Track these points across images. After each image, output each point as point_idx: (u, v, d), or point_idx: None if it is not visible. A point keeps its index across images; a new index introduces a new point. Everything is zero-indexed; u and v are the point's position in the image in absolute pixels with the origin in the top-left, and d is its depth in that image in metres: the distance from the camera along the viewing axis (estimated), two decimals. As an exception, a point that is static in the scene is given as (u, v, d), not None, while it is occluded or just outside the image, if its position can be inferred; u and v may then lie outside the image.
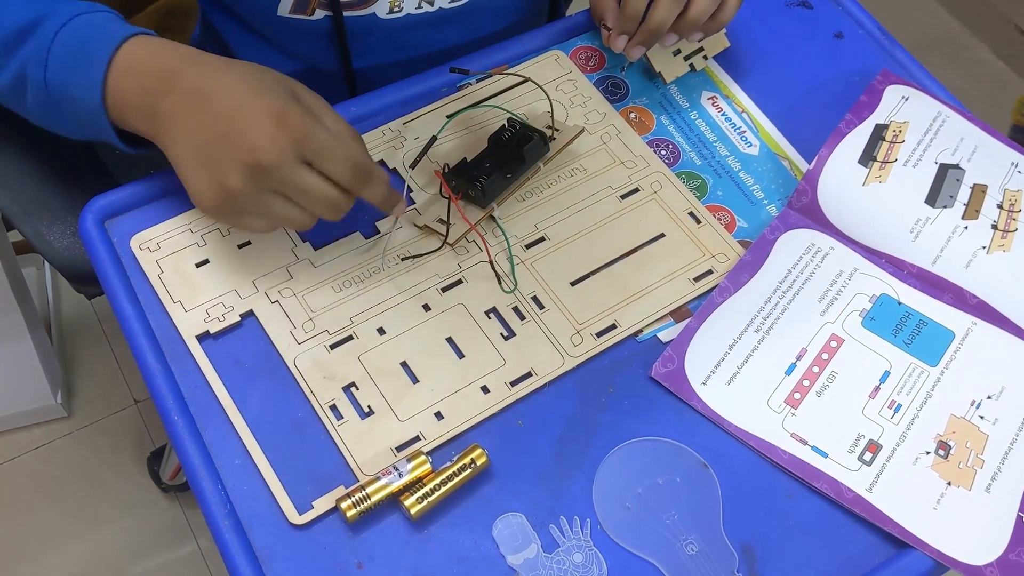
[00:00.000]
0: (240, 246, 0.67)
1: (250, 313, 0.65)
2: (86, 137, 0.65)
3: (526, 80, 0.72)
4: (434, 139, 0.66)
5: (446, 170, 0.68)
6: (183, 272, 0.66)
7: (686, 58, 0.77)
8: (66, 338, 1.51)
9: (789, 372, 0.64)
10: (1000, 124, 1.77)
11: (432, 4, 0.77)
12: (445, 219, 0.67)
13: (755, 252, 0.68)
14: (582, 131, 0.72)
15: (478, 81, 0.76)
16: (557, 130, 0.72)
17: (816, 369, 0.64)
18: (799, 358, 0.64)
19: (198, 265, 0.66)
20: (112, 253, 0.67)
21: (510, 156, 0.68)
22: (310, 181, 0.58)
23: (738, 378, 0.63)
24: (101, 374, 1.50)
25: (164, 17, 1.09)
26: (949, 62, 1.97)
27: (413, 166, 0.67)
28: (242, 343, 0.64)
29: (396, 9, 0.77)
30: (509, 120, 0.69)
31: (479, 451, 0.59)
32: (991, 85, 1.95)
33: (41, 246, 0.74)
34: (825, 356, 0.64)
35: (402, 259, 0.67)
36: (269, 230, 0.64)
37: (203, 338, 0.64)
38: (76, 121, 0.63)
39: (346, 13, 0.76)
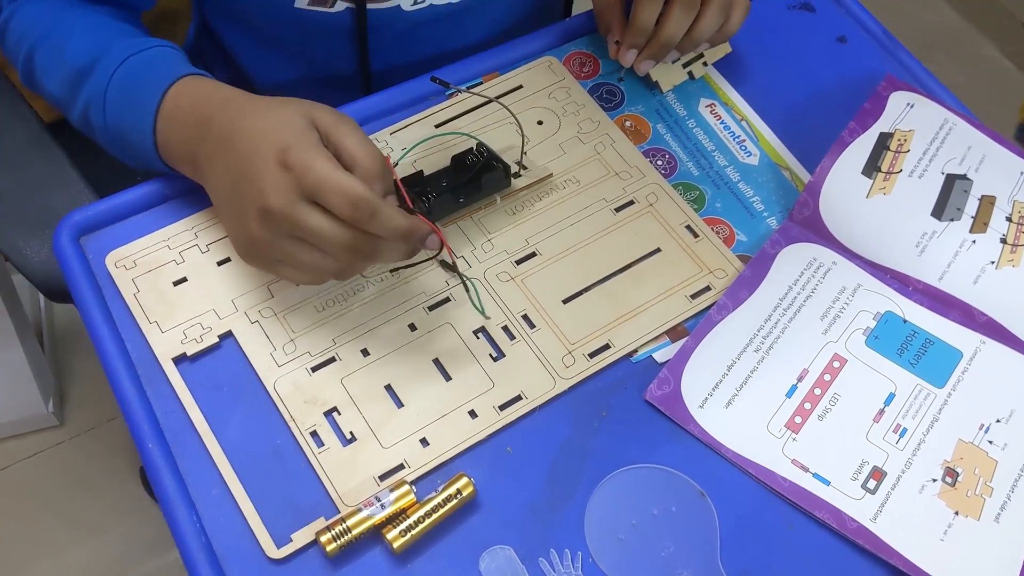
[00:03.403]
0: (220, 263, 0.64)
1: (229, 334, 0.62)
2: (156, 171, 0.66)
3: (491, 100, 0.71)
4: (395, 164, 0.64)
5: (401, 178, 0.65)
6: (160, 291, 0.63)
7: (684, 65, 0.75)
8: (58, 346, 1.49)
9: (790, 394, 0.61)
10: (1006, 124, 1.74)
11: None
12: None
13: (755, 267, 0.66)
14: (550, 176, 0.69)
15: (468, 89, 0.73)
16: (525, 167, 0.69)
17: (818, 391, 0.61)
18: (800, 379, 0.62)
19: (176, 283, 0.64)
20: (87, 270, 0.64)
21: (468, 181, 0.65)
22: (316, 221, 0.54)
23: (737, 401, 0.61)
24: (93, 382, 1.48)
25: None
26: (953, 59, 1.93)
27: None
28: (220, 365, 0.61)
29: (420, 1, 0.74)
30: (478, 144, 0.67)
31: (465, 480, 0.56)
32: (996, 83, 1.92)
33: (17, 260, 0.72)
34: (827, 377, 0.62)
35: (392, 271, 0.64)
36: (309, 282, 0.60)
37: (179, 360, 0.61)
38: (141, 162, 0.65)
39: (369, 6, 0.73)
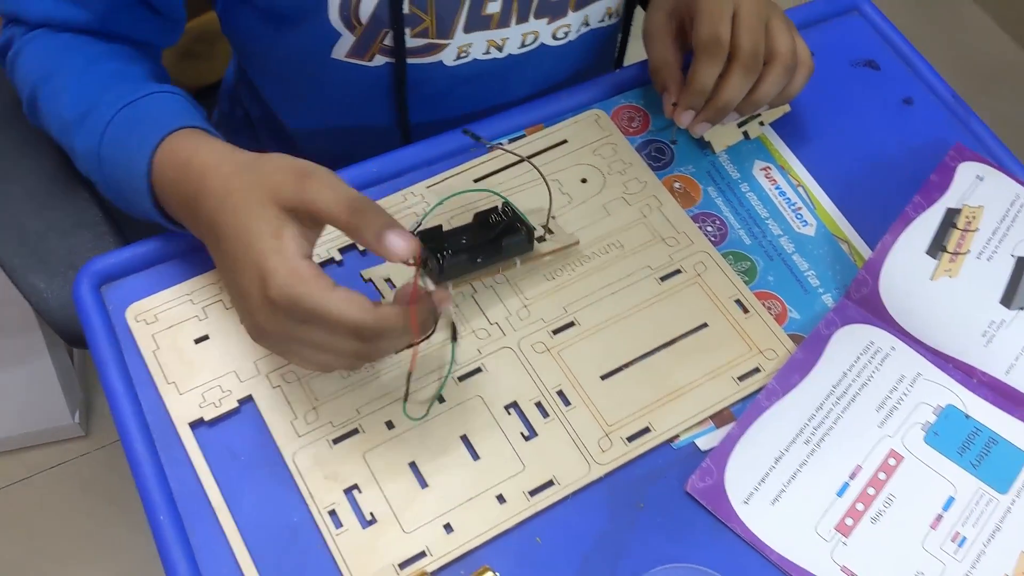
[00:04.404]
0: (243, 321, 0.61)
1: (249, 399, 0.59)
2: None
3: (523, 160, 0.68)
4: (419, 224, 0.61)
5: (418, 231, 0.62)
6: (180, 349, 0.60)
7: (740, 125, 0.71)
8: (87, 356, 1.48)
9: (841, 493, 0.57)
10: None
11: (501, 50, 0.71)
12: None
13: (808, 349, 0.62)
14: (576, 243, 0.65)
15: (501, 145, 0.70)
16: (551, 231, 0.65)
17: (872, 491, 0.57)
18: (853, 477, 0.58)
19: (197, 341, 0.61)
20: (106, 322, 0.61)
21: (489, 242, 0.62)
22: (319, 338, 0.51)
23: (784, 498, 0.57)
24: (121, 394, 1.47)
25: (192, 43, 1.04)
26: (1018, 95, 1.86)
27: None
28: (238, 432, 0.58)
29: (463, 56, 0.71)
30: (504, 204, 0.63)
31: (490, 574, 0.53)
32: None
33: (37, 303, 0.69)
34: (882, 476, 0.58)
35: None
36: (324, 371, 0.58)
37: (196, 425, 0.58)
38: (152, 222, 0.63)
39: (410, 60, 0.70)
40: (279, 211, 0.51)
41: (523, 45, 0.72)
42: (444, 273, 0.60)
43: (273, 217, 0.51)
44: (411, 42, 0.68)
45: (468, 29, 0.68)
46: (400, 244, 0.50)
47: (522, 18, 0.70)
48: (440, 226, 0.62)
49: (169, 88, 0.63)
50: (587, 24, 0.74)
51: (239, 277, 0.52)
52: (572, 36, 0.74)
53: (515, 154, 0.68)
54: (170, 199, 0.59)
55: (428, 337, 0.55)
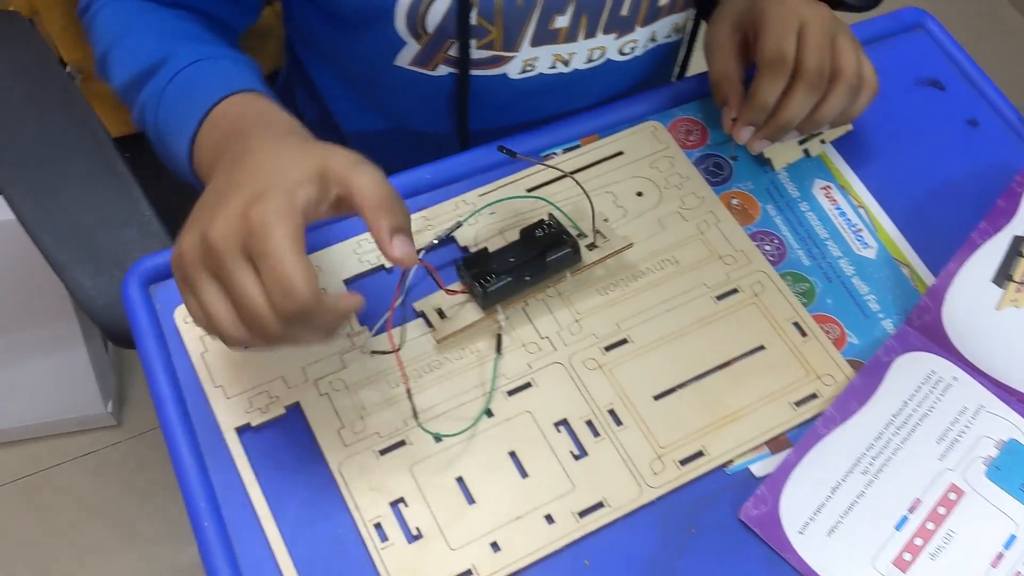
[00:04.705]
0: (292, 326, 0.61)
1: (296, 405, 0.58)
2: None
3: (566, 175, 0.67)
4: (459, 224, 0.60)
5: (464, 256, 0.62)
6: (228, 352, 0.60)
7: (801, 142, 0.69)
8: (121, 348, 1.48)
9: (899, 527, 0.55)
10: None
11: (567, 64, 0.70)
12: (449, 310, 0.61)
13: (867, 376, 0.60)
14: (630, 245, 0.64)
15: (564, 152, 0.68)
16: (603, 236, 0.64)
17: (931, 525, 0.56)
18: (912, 510, 0.56)
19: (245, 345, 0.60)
20: (154, 323, 0.61)
21: (535, 258, 0.60)
22: (239, 281, 0.46)
23: (840, 529, 0.55)
24: (153, 386, 1.47)
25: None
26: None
27: (430, 250, 0.62)
28: (284, 440, 0.58)
29: (528, 69, 0.70)
30: (549, 216, 0.62)
31: (538, 597, 0.52)
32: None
33: (83, 300, 0.69)
34: (942, 510, 0.56)
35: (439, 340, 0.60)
36: (199, 319, 0.50)
37: (243, 430, 0.58)
38: (173, 164, 0.62)
39: (474, 72, 0.69)
40: (318, 173, 0.49)
41: (589, 60, 0.71)
42: (489, 297, 0.59)
43: (309, 170, 0.49)
44: (476, 54, 0.67)
45: (535, 43, 0.67)
46: (401, 249, 0.48)
47: (590, 33, 0.68)
48: (485, 248, 0.61)
49: (249, 59, 0.63)
50: (654, 40, 0.73)
51: (230, 189, 0.49)
52: (639, 51, 0.73)
53: (558, 169, 0.66)
54: (217, 133, 0.58)
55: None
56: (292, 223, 0.46)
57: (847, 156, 0.70)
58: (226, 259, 0.47)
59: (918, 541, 0.55)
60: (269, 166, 0.50)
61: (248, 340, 0.48)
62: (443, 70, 0.68)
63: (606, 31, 0.69)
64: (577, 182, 0.64)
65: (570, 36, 0.68)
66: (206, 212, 0.49)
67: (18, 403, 1.36)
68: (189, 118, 0.59)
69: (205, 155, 0.59)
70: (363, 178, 0.49)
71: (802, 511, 0.56)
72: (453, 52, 0.67)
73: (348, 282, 0.62)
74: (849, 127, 0.70)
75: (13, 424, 1.37)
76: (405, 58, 0.68)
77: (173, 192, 0.70)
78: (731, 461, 0.58)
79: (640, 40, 0.71)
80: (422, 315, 0.61)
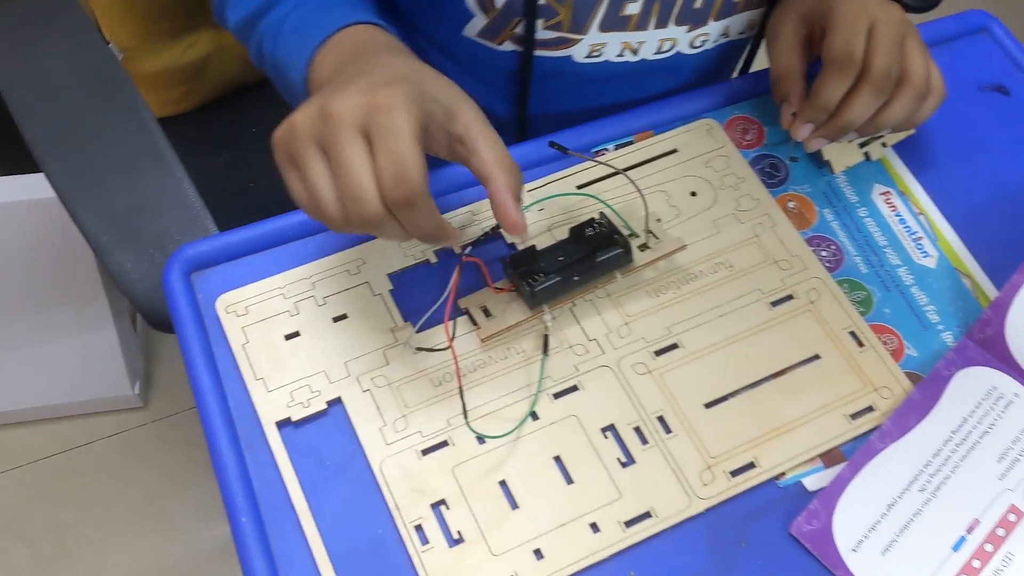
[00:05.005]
0: (335, 319, 0.59)
1: (338, 401, 0.57)
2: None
3: (618, 172, 0.65)
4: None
5: (511, 254, 0.60)
6: (271, 344, 0.58)
7: (861, 145, 0.67)
8: (150, 329, 1.48)
9: (957, 548, 0.54)
10: None
11: (636, 53, 0.69)
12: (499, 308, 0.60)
13: (925, 390, 0.58)
14: (683, 247, 0.62)
15: (616, 148, 0.67)
16: (656, 237, 0.62)
17: (989, 547, 0.54)
18: (970, 531, 0.54)
19: (287, 337, 0.59)
20: (195, 311, 0.60)
21: (585, 257, 0.59)
22: (351, 157, 0.46)
23: (895, 548, 0.53)
24: (181, 369, 1.46)
25: None
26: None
27: (466, 249, 0.60)
28: (325, 436, 0.56)
29: (595, 54, 0.68)
30: (600, 215, 0.60)
31: (583, 607, 0.50)
32: None
33: (123, 283, 0.68)
34: (1001, 532, 0.54)
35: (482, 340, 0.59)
36: (299, 196, 0.50)
37: (283, 425, 0.56)
38: (284, 83, 0.63)
39: (538, 52, 0.68)
40: (451, 102, 0.50)
41: (659, 51, 0.69)
42: (536, 297, 0.58)
43: (443, 94, 0.50)
44: (543, 33, 0.65)
45: (604, 28, 0.66)
46: (519, 212, 0.50)
47: (661, 23, 0.67)
48: (534, 246, 0.60)
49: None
50: (726, 35, 0.71)
51: (359, 76, 0.49)
52: (709, 46, 0.71)
53: (610, 166, 0.65)
54: (337, 52, 0.58)
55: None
56: (417, 115, 0.46)
57: (908, 161, 0.68)
58: (342, 132, 0.46)
59: (976, 563, 0.53)
60: (403, 69, 0.51)
61: (344, 222, 0.48)
62: (509, 46, 0.67)
63: (678, 22, 0.67)
64: (631, 180, 0.63)
65: (640, 24, 0.66)
66: (327, 92, 0.48)
67: (46, 383, 1.36)
68: (310, 40, 0.59)
69: (324, 72, 0.58)
70: (491, 133, 0.49)
71: (856, 528, 0.54)
72: (520, 30, 0.65)
73: (392, 276, 0.61)
74: (911, 131, 0.68)
75: (40, 403, 1.37)
76: (473, 29, 0.67)
77: (215, 172, 0.69)
78: (783, 474, 0.56)
79: (712, 34, 0.69)
80: (467, 312, 0.60)
